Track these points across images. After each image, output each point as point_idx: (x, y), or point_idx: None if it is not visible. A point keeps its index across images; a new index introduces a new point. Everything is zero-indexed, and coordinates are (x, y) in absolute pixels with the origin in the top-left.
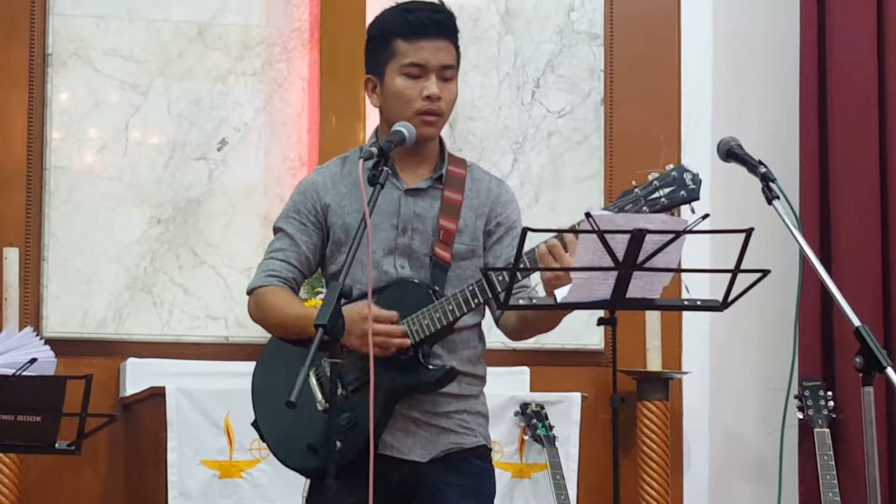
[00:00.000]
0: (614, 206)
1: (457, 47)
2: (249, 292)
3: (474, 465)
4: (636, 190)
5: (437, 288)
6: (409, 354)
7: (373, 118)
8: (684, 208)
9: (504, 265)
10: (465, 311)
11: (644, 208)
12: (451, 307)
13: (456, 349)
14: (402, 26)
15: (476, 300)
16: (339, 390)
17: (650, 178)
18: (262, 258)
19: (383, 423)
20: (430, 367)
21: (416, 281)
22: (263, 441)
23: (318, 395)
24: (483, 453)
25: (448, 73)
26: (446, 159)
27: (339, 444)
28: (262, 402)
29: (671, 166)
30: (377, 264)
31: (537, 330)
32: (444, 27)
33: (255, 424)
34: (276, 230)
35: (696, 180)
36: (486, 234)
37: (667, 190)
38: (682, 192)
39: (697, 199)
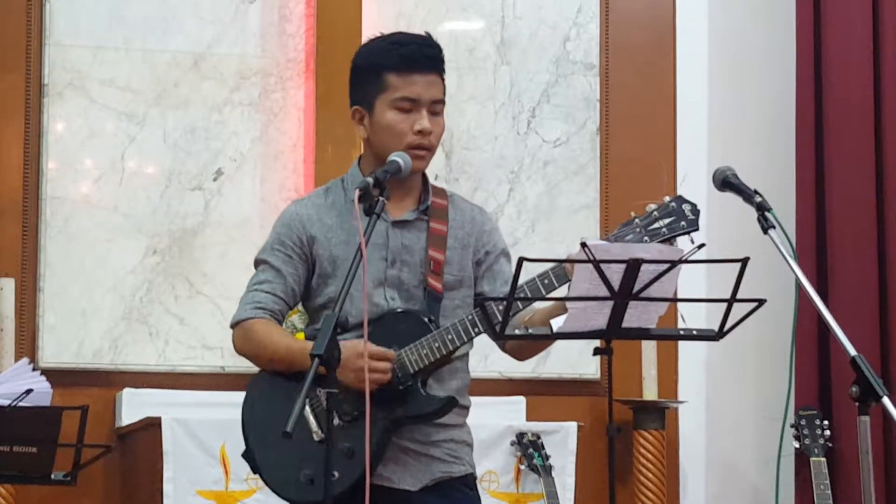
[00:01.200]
0: (614, 236)
1: (443, 80)
2: (234, 325)
3: (464, 493)
4: (636, 220)
5: (433, 318)
6: (407, 384)
7: None
8: (681, 238)
9: (504, 291)
10: (465, 340)
11: (645, 238)
12: (450, 337)
13: (444, 379)
14: (394, 60)
15: (476, 329)
16: (336, 420)
17: (649, 209)
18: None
19: (381, 453)
20: (433, 397)
21: (411, 311)
22: (255, 472)
23: (314, 426)
24: (471, 481)
25: (437, 107)
26: (430, 191)
27: (336, 474)
28: (253, 433)
29: (669, 197)
30: (368, 296)
31: (544, 346)
32: (435, 62)
33: (245, 455)
34: (259, 262)
35: (695, 211)
36: (476, 264)
37: (667, 220)
38: (682, 223)
39: (697, 229)
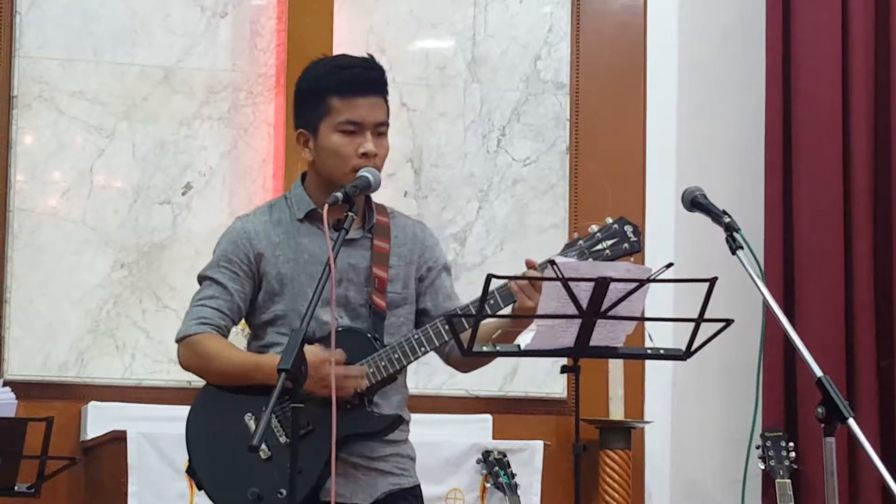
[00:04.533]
0: (558, 257)
1: (387, 102)
2: (179, 340)
3: (411, 503)
4: (579, 242)
5: (377, 336)
6: (354, 402)
7: None
8: (649, 256)
9: (447, 306)
10: (412, 358)
11: (589, 259)
12: (397, 355)
13: (387, 394)
14: (337, 84)
15: (423, 349)
16: (283, 438)
17: (591, 230)
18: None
19: (327, 472)
20: (381, 415)
21: (357, 329)
22: (199, 489)
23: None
24: (418, 493)
25: (382, 129)
26: (374, 209)
27: (283, 492)
28: (198, 449)
29: (610, 219)
30: (316, 315)
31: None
32: (378, 85)
33: (189, 471)
34: (204, 278)
35: (636, 232)
36: (419, 280)
37: (609, 242)
38: (625, 245)
39: (639, 251)
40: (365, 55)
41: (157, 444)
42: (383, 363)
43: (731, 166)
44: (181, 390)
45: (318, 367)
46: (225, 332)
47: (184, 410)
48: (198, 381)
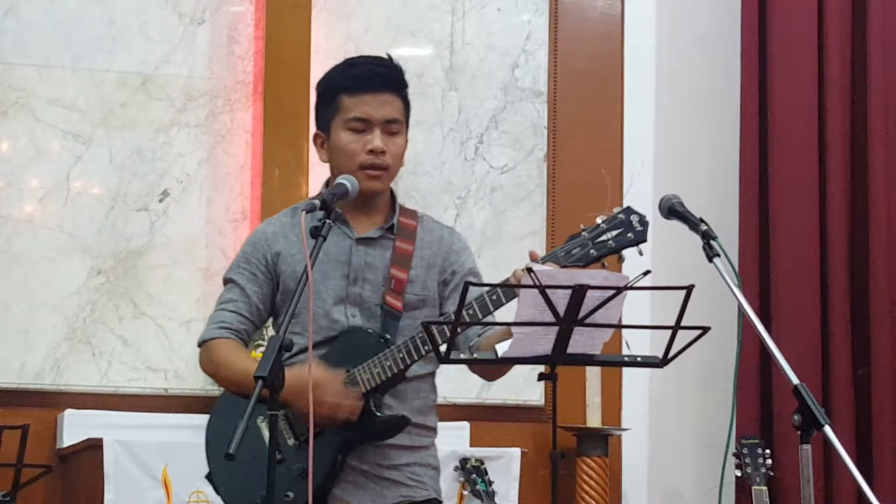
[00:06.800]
0: (562, 249)
1: (405, 100)
2: (200, 344)
3: None
4: (584, 233)
5: (388, 336)
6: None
7: (316, 171)
8: (627, 263)
9: (449, 316)
10: (416, 358)
11: (592, 251)
12: (401, 355)
13: (406, 398)
14: (346, 81)
15: (426, 347)
16: (291, 441)
17: (598, 220)
18: (209, 310)
19: (334, 475)
20: (383, 416)
21: (365, 329)
22: (218, 494)
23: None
24: None
25: (394, 126)
26: (398, 210)
27: (290, 494)
28: (216, 455)
29: (618, 208)
30: (327, 313)
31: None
32: (388, 80)
33: (209, 477)
34: (226, 281)
35: (644, 222)
36: (443, 284)
37: (614, 233)
38: (630, 234)
39: (644, 240)
40: (382, 55)
41: (133, 452)
42: (388, 363)
43: (708, 174)
44: (158, 398)
45: (317, 388)
46: (244, 336)
47: (160, 418)
48: (175, 390)
